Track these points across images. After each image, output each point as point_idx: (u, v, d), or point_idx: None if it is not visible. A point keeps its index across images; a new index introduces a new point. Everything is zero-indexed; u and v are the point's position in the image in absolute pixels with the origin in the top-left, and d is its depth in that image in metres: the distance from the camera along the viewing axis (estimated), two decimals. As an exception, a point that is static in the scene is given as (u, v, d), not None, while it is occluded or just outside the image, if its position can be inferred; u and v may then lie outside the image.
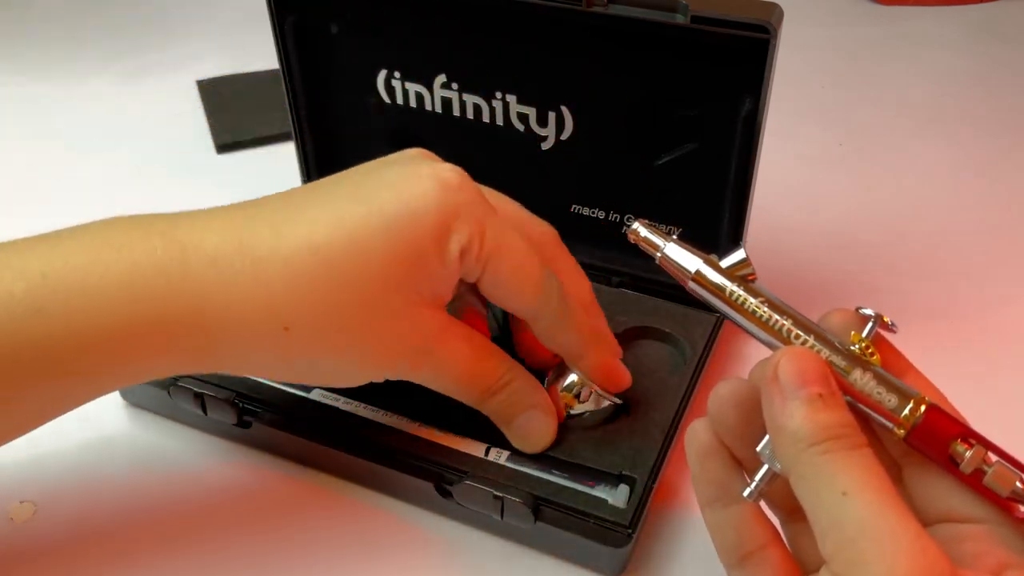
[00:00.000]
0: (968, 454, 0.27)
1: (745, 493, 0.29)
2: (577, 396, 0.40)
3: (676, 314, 0.47)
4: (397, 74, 0.51)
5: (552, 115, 0.48)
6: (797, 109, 0.73)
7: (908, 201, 0.64)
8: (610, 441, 0.40)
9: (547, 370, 0.41)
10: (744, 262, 0.30)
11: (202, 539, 0.40)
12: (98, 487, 0.42)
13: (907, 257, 0.58)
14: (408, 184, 0.33)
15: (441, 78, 0.50)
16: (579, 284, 0.41)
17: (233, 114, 0.72)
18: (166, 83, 0.78)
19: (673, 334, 0.46)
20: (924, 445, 0.27)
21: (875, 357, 0.28)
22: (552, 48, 0.46)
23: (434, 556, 0.39)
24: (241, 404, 0.42)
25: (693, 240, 0.49)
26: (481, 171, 0.37)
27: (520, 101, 0.48)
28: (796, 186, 0.64)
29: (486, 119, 0.49)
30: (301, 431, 0.41)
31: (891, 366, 0.29)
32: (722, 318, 0.47)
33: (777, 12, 0.40)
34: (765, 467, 0.28)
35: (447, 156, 0.37)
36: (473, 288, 0.37)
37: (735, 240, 0.47)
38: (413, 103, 0.51)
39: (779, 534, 0.31)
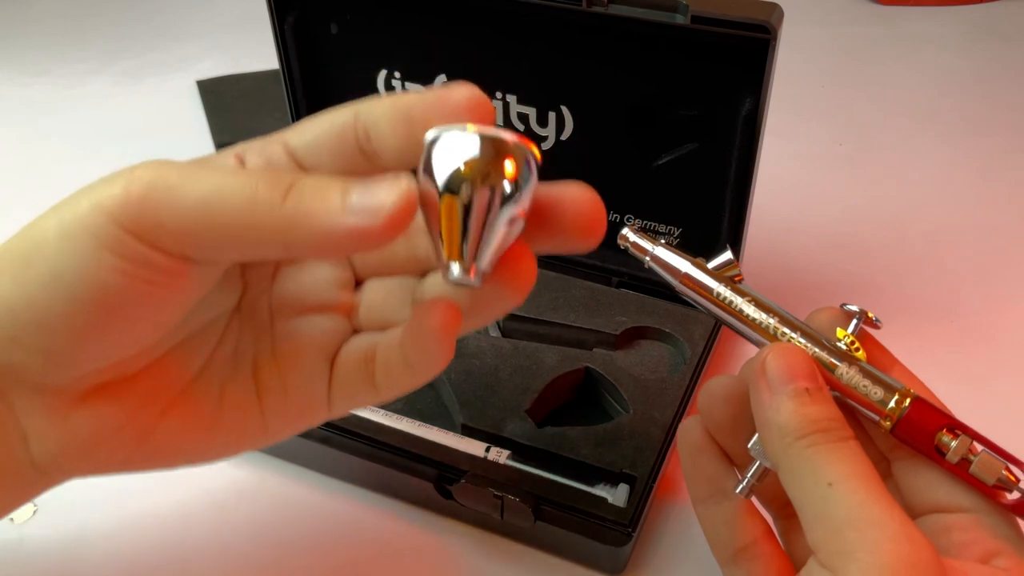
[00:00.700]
0: (954, 444, 0.27)
1: (737, 489, 0.30)
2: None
3: (676, 314, 0.47)
4: (397, 74, 0.51)
5: (552, 115, 0.48)
6: (797, 109, 0.73)
7: (908, 201, 0.64)
8: (610, 440, 0.40)
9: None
10: (731, 263, 0.31)
11: (200, 539, 0.40)
12: (97, 487, 0.42)
13: (907, 257, 0.58)
14: None
15: (441, 78, 0.50)
16: None
17: (233, 114, 0.72)
18: (166, 83, 0.78)
19: (673, 334, 0.46)
20: (910, 436, 0.28)
21: (860, 352, 0.29)
22: (552, 48, 0.46)
23: (434, 556, 0.39)
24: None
25: (693, 240, 0.50)
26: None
27: (520, 101, 0.48)
28: (796, 186, 0.64)
29: (486, 119, 0.49)
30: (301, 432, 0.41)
31: (876, 361, 0.30)
32: (722, 318, 0.47)
33: (777, 12, 0.40)
34: (756, 463, 0.29)
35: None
36: None
37: (735, 240, 0.47)
38: (413, 103, 0.51)
39: (771, 529, 0.32)
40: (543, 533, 0.38)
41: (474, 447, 0.40)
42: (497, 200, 0.24)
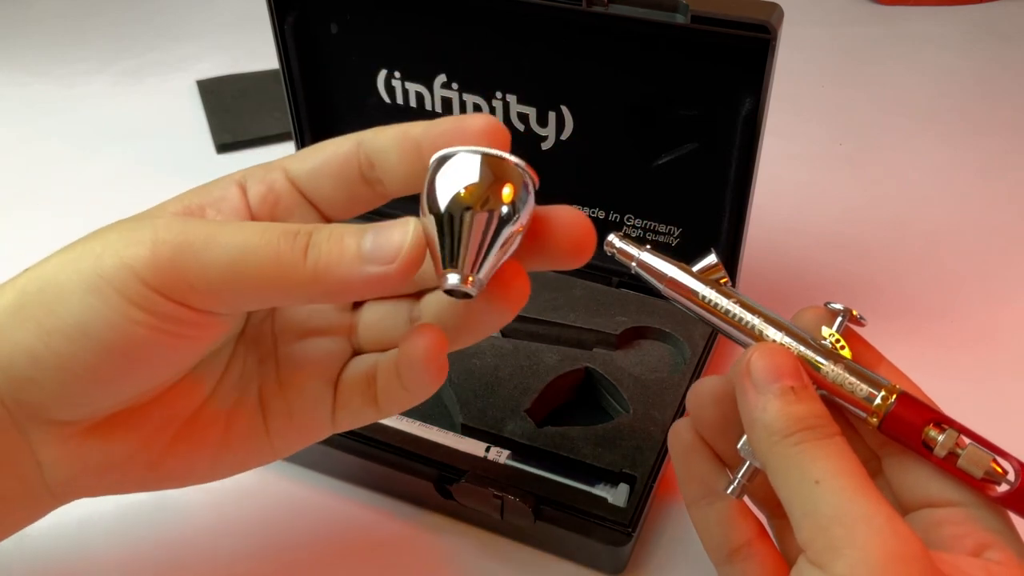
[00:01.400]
0: (941, 438, 0.27)
1: (728, 490, 0.30)
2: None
3: (676, 314, 0.47)
4: (397, 74, 0.51)
5: (552, 115, 0.48)
6: (797, 109, 0.73)
7: (908, 201, 0.64)
8: (610, 440, 0.40)
9: None
10: (715, 266, 0.31)
11: (200, 539, 0.40)
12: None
13: (907, 257, 0.58)
14: None
15: (441, 78, 0.50)
16: None
17: (233, 114, 0.72)
18: (166, 83, 0.78)
19: (673, 334, 0.46)
20: (897, 432, 0.28)
21: (845, 350, 0.29)
22: (552, 48, 0.46)
23: (434, 556, 0.39)
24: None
25: (693, 240, 0.50)
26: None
27: (520, 101, 0.48)
28: (796, 186, 0.64)
29: (486, 119, 0.49)
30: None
31: (862, 358, 0.30)
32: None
33: (777, 12, 0.40)
34: (746, 463, 0.29)
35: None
36: None
37: (735, 240, 0.47)
38: (413, 103, 0.51)
39: (764, 529, 0.32)
40: (543, 533, 0.38)
41: (474, 447, 0.40)
42: (495, 222, 0.25)
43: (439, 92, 0.50)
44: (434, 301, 0.30)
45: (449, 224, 0.25)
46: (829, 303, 0.30)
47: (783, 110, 0.56)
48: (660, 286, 0.31)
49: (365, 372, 0.31)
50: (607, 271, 0.50)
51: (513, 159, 0.26)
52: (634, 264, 0.32)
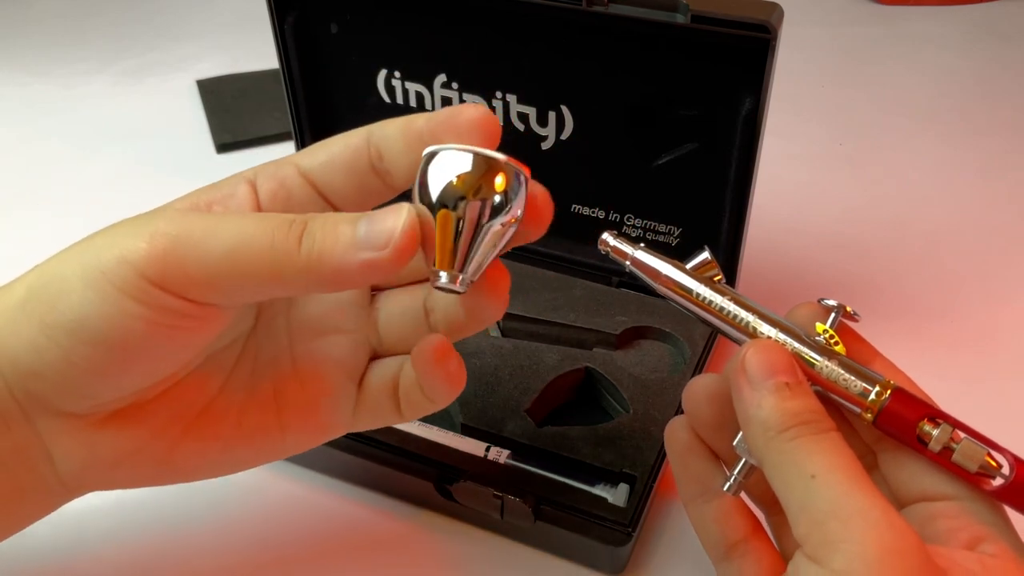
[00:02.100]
0: (935, 433, 0.27)
1: (724, 487, 0.30)
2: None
3: (676, 314, 0.47)
4: (397, 74, 0.51)
5: (552, 115, 0.48)
6: (797, 109, 0.73)
7: (908, 201, 0.64)
8: (610, 440, 0.40)
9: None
10: (709, 263, 0.31)
11: (200, 538, 0.40)
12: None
13: (907, 257, 0.58)
14: None
15: (441, 78, 0.50)
16: None
17: (233, 114, 0.72)
18: (166, 83, 0.78)
19: (673, 334, 0.46)
20: (892, 427, 0.28)
21: (839, 346, 0.29)
22: (552, 48, 0.46)
23: (434, 556, 0.39)
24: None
25: (693, 240, 0.50)
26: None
27: (520, 101, 0.48)
28: (796, 186, 0.64)
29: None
30: (301, 431, 0.41)
31: (857, 354, 0.30)
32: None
33: (777, 12, 0.40)
34: (742, 460, 0.29)
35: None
36: None
37: (735, 240, 0.47)
38: (413, 103, 0.51)
39: (761, 525, 0.32)
40: (543, 533, 0.38)
41: (474, 447, 0.40)
42: (487, 212, 0.25)
43: (439, 92, 0.50)
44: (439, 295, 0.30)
45: (442, 216, 0.25)
46: (823, 299, 0.30)
47: (783, 110, 0.56)
48: (655, 284, 0.31)
49: (391, 377, 0.31)
50: (607, 271, 0.50)
51: (504, 156, 0.26)
52: (628, 263, 0.32)
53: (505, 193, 0.25)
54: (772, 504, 0.32)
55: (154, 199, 0.29)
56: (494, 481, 0.38)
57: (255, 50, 0.80)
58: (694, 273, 0.31)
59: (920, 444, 0.28)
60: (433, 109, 0.51)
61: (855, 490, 0.25)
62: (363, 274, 0.25)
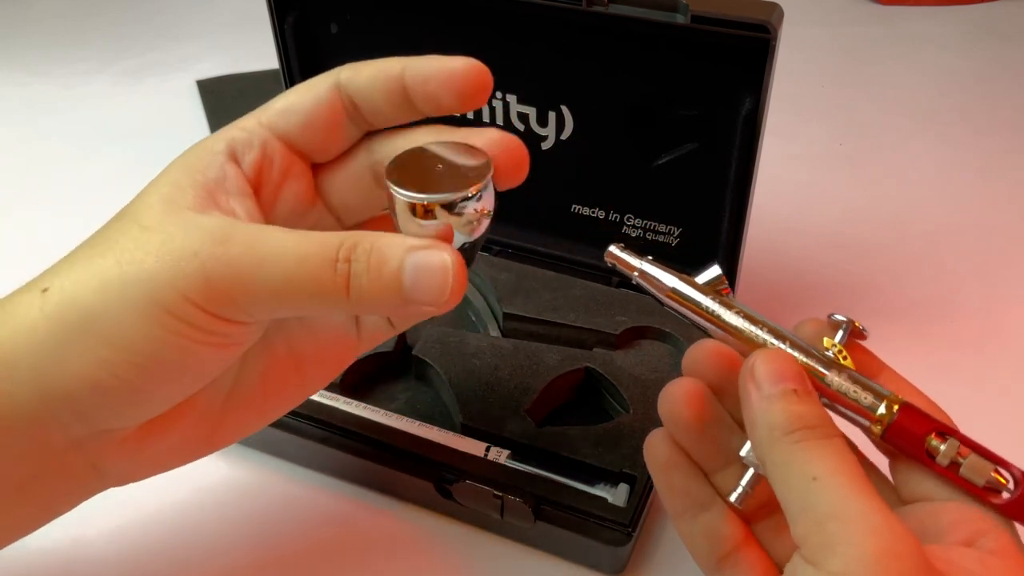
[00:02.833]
0: (943, 447, 0.27)
1: (732, 498, 0.30)
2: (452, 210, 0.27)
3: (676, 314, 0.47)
4: (397, 74, 0.51)
5: (552, 115, 0.48)
6: (797, 109, 0.73)
7: (908, 201, 0.64)
8: (610, 440, 0.40)
9: None
10: (718, 278, 0.31)
11: (200, 538, 0.40)
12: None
13: (907, 257, 0.58)
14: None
15: (441, 78, 0.50)
16: None
17: (233, 114, 0.71)
18: (166, 83, 0.78)
19: (673, 334, 0.46)
20: (901, 441, 0.28)
21: (848, 361, 0.29)
22: (552, 48, 0.46)
23: (434, 556, 0.39)
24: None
25: (693, 240, 0.50)
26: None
27: (520, 101, 0.48)
28: (796, 186, 0.64)
29: (486, 119, 0.49)
30: (301, 432, 0.41)
31: (865, 366, 0.30)
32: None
33: (777, 12, 0.40)
34: (750, 471, 0.29)
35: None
36: None
37: (735, 240, 0.47)
38: (413, 103, 0.51)
39: (751, 534, 0.32)
40: (543, 533, 0.38)
41: (474, 447, 0.40)
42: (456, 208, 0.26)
43: (439, 92, 0.50)
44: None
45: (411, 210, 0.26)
46: (832, 315, 0.30)
47: (783, 110, 0.56)
48: (662, 297, 0.31)
49: None
50: (607, 271, 0.50)
51: (473, 146, 0.27)
52: (635, 274, 0.32)
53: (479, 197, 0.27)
54: (753, 513, 0.32)
55: (154, 199, 0.29)
56: (494, 481, 0.38)
57: (255, 50, 0.80)
58: (701, 286, 0.31)
59: (928, 458, 0.28)
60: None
61: (855, 493, 0.25)
62: (409, 319, 0.27)
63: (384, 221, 0.32)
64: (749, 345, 0.30)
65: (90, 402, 0.26)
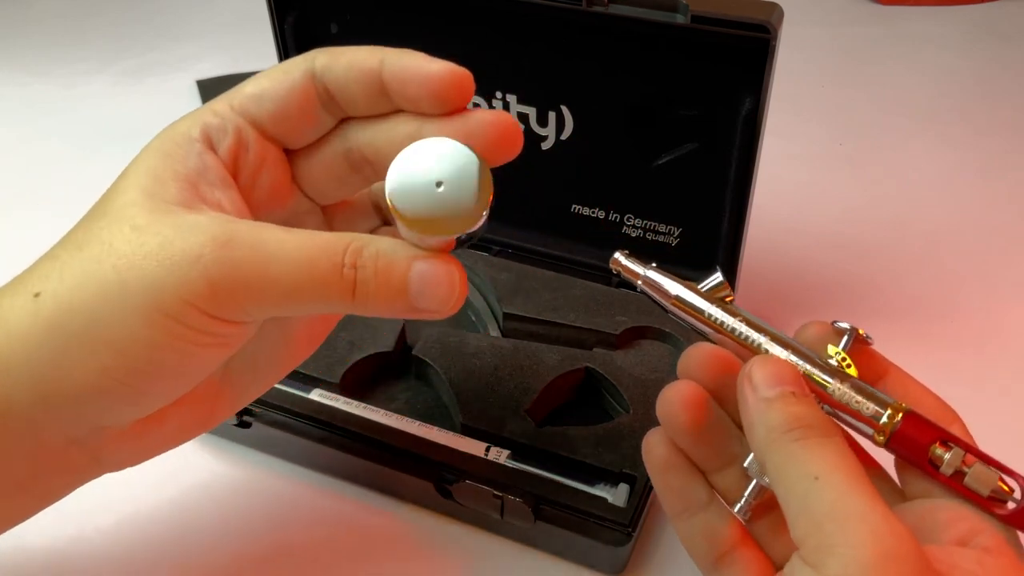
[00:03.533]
0: (947, 456, 0.27)
1: (735, 509, 0.30)
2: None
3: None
4: (397, 74, 0.51)
5: (552, 115, 0.48)
6: (797, 109, 0.73)
7: (908, 201, 0.64)
8: (610, 440, 0.40)
9: None
10: (721, 285, 0.31)
11: (199, 538, 0.40)
12: (95, 484, 0.42)
13: (907, 257, 0.58)
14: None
15: (441, 78, 0.50)
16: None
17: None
18: (166, 83, 0.78)
19: (673, 334, 0.46)
20: (904, 450, 0.28)
21: (852, 369, 0.29)
22: (552, 48, 0.46)
23: (434, 556, 0.39)
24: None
25: (693, 240, 0.50)
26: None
27: (520, 101, 0.48)
28: (796, 186, 0.64)
29: (486, 119, 0.49)
30: (301, 432, 0.41)
31: (872, 366, 0.30)
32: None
33: (777, 12, 0.40)
34: (753, 482, 0.29)
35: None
36: None
37: (735, 240, 0.47)
38: (413, 103, 0.51)
39: (749, 534, 0.32)
40: (543, 533, 0.38)
41: (474, 447, 0.40)
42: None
43: (439, 92, 0.50)
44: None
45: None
46: (836, 322, 0.30)
47: (783, 110, 0.56)
48: (666, 304, 0.31)
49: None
50: (607, 271, 0.50)
51: (462, 146, 0.26)
52: (640, 282, 0.32)
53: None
54: (756, 509, 0.32)
55: (154, 199, 0.29)
56: (494, 481, 0.38)
57: (255, 50, 0.80)
58: (705, 293, 0.31)
59: (932, 467, 0.28)
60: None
61: (855, 493, 0.25)
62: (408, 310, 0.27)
63: (359, 205, 0.34)
64: (752, 352, 0.30)
65: (90, 406, 0.27)
